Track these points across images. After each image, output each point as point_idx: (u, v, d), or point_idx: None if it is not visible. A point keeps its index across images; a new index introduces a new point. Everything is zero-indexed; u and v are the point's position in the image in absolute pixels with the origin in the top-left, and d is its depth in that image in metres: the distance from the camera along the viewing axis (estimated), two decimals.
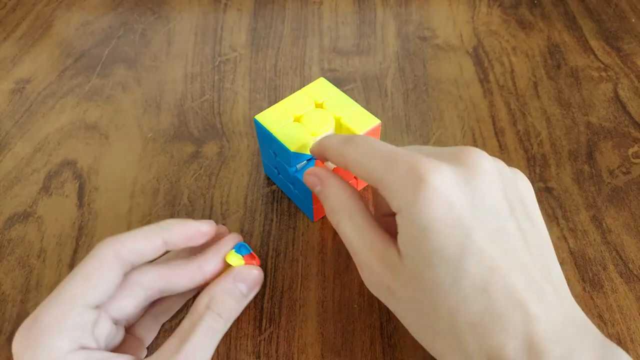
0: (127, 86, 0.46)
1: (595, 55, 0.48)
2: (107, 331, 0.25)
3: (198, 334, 0.25)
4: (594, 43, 0.49)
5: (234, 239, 0.29)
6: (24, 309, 0.32)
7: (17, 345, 0.23)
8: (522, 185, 0.24)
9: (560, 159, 0.39)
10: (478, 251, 0.21)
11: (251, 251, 0.29)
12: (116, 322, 0.26)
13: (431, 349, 0.23)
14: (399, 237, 0.23)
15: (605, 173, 0.38)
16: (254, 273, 0.28)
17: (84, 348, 0.24)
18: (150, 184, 0.39)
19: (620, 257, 0.34)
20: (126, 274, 0.26)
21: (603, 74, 0.46)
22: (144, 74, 0.47)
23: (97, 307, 0.25)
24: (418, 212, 0.21)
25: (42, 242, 0.35)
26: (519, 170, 0.25)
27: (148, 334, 0.29)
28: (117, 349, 0.27)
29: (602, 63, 0.47)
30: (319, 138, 0.33)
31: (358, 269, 0.26)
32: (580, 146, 0.40)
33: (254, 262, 0.29)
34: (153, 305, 0.29)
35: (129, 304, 0.26)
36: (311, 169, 0.29)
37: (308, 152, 0.33)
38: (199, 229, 0.28)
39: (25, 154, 0.41)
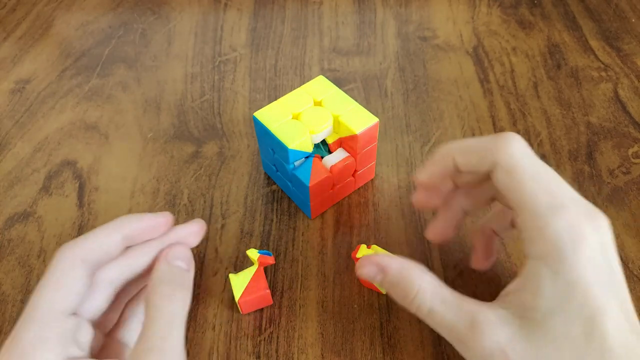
0: (127, 86, 0.46)
1: (595, 55, 0.48)
2: (90, 337, 0.25)
3: (159, 321, 0.24)
4: (594, 43, 0.49)
5: (192, 224, 0.29)
6: (24, 309, 0.32)
7: None
8: None
9: (560, 159, 0.39)
10: (612, 313, 0.22)
11: (271, 254, 0.31)
12: (93, 324, 0.26)
13: None
14: (532, 287, 0.22)
15: (605, 173, 0.38)
16: (179, 248, 0.27)
17: (70, 358, 0.23)
18: (150, 184, 0.39)
19: (620, 257, 0.34)
20: (94, 275, 0.26)
21: (603, 74, 0.46)
22: (144, 74, 0.47)
23: (74, 313, 0.24)
24: (573, 267, 0.22)
25: (42, 242, 0.35)
26: None
27: (133, 337, 0.28)
28: (100, 355, 0.26)
29: (602, 63, 0.47)
30: (318, 135, 0.33)
31: (457, 346, 0.24)
32: (580, 146, 0.40)
33: (268, 260, 0.31)
34: (132, 304, 0.29)
35: (99, 301, 0.26)
36: (364, 260, 0.27)
37: (306, 150, 0.33)
38: (155, 221, 0.27)
39: (25, 154, 0.41)
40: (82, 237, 0.26)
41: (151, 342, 0.23)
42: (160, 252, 0.27)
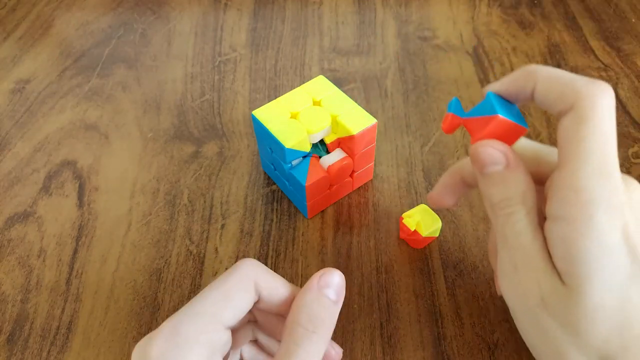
0: (127, 86, 0.46)
1: (595, 55, 0.48)
2: (227, 351, 0.24)
3: (291, 355, 0.22)
4: (594, 43, 0.49)
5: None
6: (24, 309, 0.32)
7: (155, 350, 0.22)
8: None
9: None
10: None
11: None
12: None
13: None
14: (562, 252, 0.21)
15: None
16: (336, 275, 0.25)
17: None
18: (150, 184, 0.39)
19: None
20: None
21: (603, 74, 0.46)
22: (144, 74, 0.47)
23: (228, 328, 0.23)
24: (603, 234, 0.20)
25: (42, 242, 0.35)
26: None
27: None
28: None
29: (602, 63, 0.47)
30: (315, 135, 0.33)
31: (509, 270, 0.23)
32: None
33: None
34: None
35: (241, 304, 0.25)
36: (494, 142, 0.24)
37: (303, 149, 0.33)
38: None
39: (25, 154, 0.41)
40: (268, 269, 0.25)
41: None
42: (318, 272, 0.25)
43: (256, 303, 0.25)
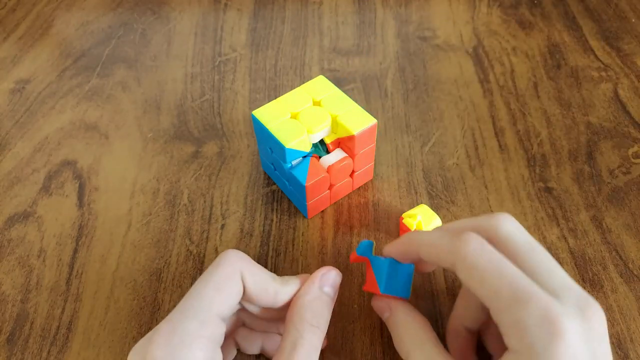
0: (127, 86, 0.46)
1: (595, 55, 0.48)
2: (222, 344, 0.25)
3: (301, 353, 0.24)
4: (594, 43, 0.49)
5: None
6: (24, 309, 0.32)
7: (157, 349, 0.22)
8: None
9: (560, 159, 0.39)
10: None
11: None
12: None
13: None
14: None
15: (605, 173, 0.38)
16: (334, 274, 0.27)
17: None
18: (150, 184, 0.39)
19: (620, 257, 0.34)
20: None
21: (603, 74, 0.46)
22: (144, 74, 0.47)
23: (223, 320, 0.25)
24: None
25: (42, 242, 0.35)
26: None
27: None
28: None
29: (602, 63, 0.47)
30: (315, 135, 0.33)
31: None
32: (580, 146, 0.40)
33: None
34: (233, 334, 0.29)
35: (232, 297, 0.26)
36: (381, 298, 0.29)
37: (303, 149, 0.33)
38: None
39: (25, 154, 0.41)
40: (252, 261, 0.26)
41: None
42: (317, 270, 0.27)
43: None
